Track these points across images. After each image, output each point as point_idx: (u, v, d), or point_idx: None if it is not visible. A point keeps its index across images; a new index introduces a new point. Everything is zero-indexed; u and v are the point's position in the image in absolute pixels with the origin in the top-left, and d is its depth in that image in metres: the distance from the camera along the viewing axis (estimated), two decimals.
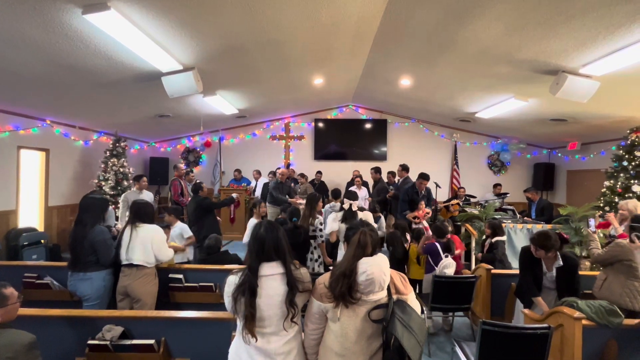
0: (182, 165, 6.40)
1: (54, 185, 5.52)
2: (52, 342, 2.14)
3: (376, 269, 1.45)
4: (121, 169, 5.79)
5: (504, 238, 4.03)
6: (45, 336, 2.08)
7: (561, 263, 2.59)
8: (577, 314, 2.18)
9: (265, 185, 6.68)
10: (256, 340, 1.47)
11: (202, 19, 3.09)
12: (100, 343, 2.03)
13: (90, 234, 2.68)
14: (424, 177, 4.94)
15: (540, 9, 2.87)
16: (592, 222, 3.26)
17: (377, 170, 6.30)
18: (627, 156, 4.99)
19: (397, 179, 6.10)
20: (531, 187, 6.08)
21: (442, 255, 3.43)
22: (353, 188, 5.90)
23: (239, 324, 1.52)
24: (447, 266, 3.33)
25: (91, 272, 2.68)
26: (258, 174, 7.21)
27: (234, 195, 4.56)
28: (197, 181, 5.19)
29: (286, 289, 1.49)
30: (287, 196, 5.74)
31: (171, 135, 8.21)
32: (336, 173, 7.96)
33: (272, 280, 1.50)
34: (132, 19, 2.83)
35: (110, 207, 3.78)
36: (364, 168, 7.47)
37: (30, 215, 5.21)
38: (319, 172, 7.77)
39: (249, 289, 1.45)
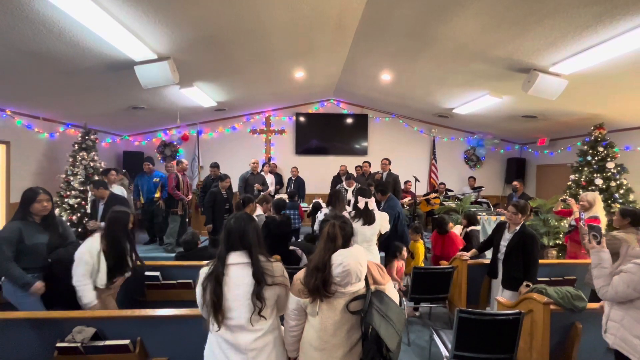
0: (185, 161, 5.92)
1: (17, 181, 5.15)
2: (17, 346, 2.01)
3: (352, 260, 1.45)
4: (91, 163, 5.48)
5: (479, 227, 4.20)
6: (9, 340, 1.96)
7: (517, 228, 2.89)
8: (545, 299, 2.31)
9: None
10: (218, 328, 1.49)
11: (178, 5, 2.95)
12: (70, 345, 1.93)
13: None
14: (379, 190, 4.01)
15: (514, 9, 2.97)
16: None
17: (389, 162, 5.89)
18: (590, 151, 5.32)
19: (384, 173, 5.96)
20: (520, 179, 6.75)
21: None
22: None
23: (204, 315, 1.54)
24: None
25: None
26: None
27: (102, 224, 3.69)
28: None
29: (253, 281, 1.49)
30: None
31: (146, 128, 7.87)
32: (317, 167, 7.93)
33: (238, 268, 1.52)
34: (100, 2, 2.66)
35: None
36: (346, 163, 7.50)
37: None
38: (295, 168, 7.38)
39: (215, 276, 1.49)
